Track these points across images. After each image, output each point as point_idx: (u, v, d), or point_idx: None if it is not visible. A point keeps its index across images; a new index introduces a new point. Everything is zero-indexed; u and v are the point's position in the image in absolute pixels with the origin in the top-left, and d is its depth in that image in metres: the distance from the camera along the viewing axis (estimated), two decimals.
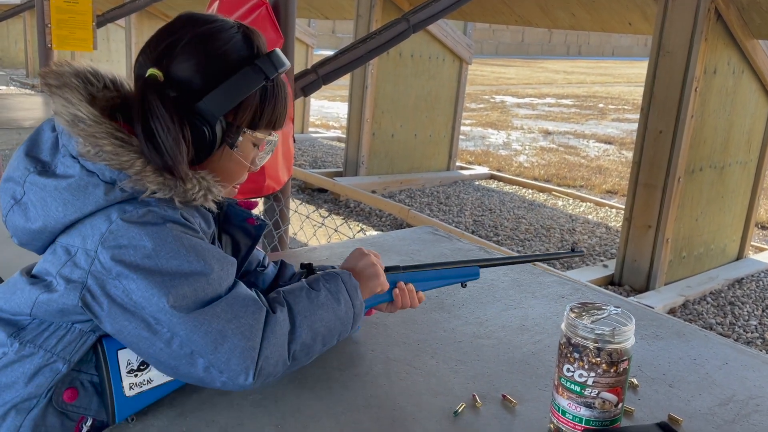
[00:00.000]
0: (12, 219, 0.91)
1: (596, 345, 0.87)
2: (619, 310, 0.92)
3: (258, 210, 2.63)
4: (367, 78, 5.86)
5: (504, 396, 1.03)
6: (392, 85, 6.07)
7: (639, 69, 20.48)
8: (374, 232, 4.88)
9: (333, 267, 1.17)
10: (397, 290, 1.15)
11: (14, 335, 0.90)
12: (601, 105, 14.10)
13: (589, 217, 5.92)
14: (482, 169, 7.38)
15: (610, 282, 4.49)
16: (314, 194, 5.90)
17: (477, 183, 6.83)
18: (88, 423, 0.93)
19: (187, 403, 0.96)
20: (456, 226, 5.18)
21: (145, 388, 0.93)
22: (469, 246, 1.73)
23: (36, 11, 4.44)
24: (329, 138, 8.62)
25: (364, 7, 5.76)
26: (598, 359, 0.87)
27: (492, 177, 7.17)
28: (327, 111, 11.50)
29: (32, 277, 0.93)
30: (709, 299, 4.23)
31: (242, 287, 0.93)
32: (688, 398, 1.06)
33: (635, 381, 1.09)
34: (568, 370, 0.90)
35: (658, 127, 4.11)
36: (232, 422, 0.93)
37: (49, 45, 4.45)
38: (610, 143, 9.97)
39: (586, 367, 0.88)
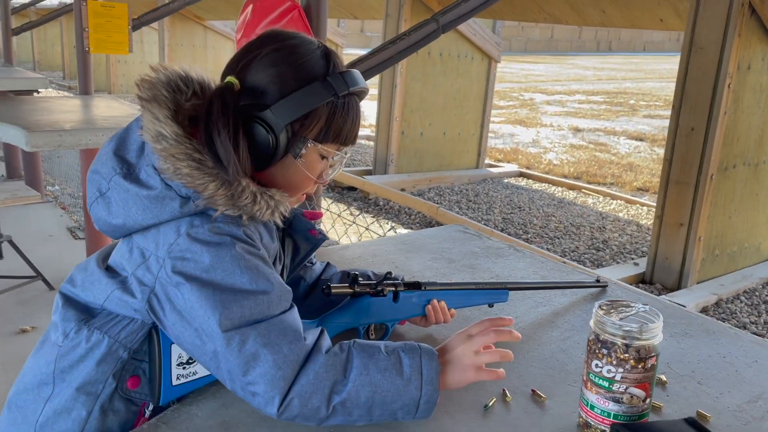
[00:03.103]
0: (96, 210, 0.98)
1: (624, 341, 0.89)
2: (647, 307, 0.94)
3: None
4: (396, 77, 5.89)
5: (533, 391, 1.06)
6: (421, 84, 6.10)
7: (671, 64, 20.12)
8: (404, 231, 4.92)
9: (371, 273, 1.20)
10: (430, 307, 1.19)
11: (84, 321, 0.98)
12: (632, 101, 13.92)
13: (620, 214, 5.87)
14: (511, 167, 7.37)
15: (641, 280, 4.46)
16: (344, 192, 5.96)
17: (506, 181, 6.82)
18: (150, 408, 1.00)
19: (228, 394, 1.00)
20: (485, 224, 5.19)
21: (190, 378, 0.99)
22: (499, 244, 1.75)
23: (74, 15, 4.56)
24: (359, 137, 8.69)
25: (393, 7, 5.79)
26: (626, 355, 0.89)
27: (521, 175, 7.15)
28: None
29: (108, 269, 1.00)
30: (743, 298, 4.17)
31: (290, 316, 0.94)
32: (716, 395, 1.08)
33: (664, 378, 1.11)
34: (597, 365, 0.92)
35: (690, 124, 4.07)
36: None
37: (87, 48, 4.56)
38: (641, 140, 9.85)
39: (614, 363, 0.90)
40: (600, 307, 0.94)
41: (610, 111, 12.67)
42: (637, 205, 6.15)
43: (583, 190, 6.64)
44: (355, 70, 1.04)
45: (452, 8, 2.87)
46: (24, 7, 7.92)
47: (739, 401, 1.06)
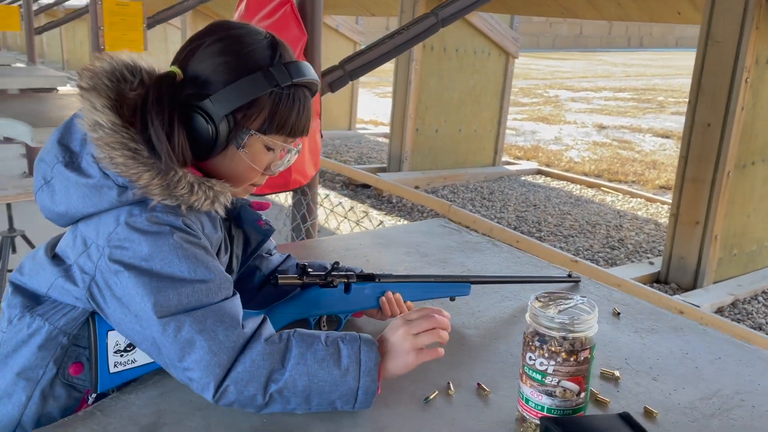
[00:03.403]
0: (41, 197, 0.99)
1: (556, 334, 0.87)
2: (585, 299, 0.92)
3: (287, 203, 2.69)
4: (411, 73, 5.87)
5: (479, 384, 1.04)
6: (436, 80, 6.06)
7: None
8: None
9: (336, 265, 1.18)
10: (384, 299, 1.17)
11: (29, 308, 0.99)
12: (660, 98, 13.67)
13: (639, 213, 5.76)
14: (529, 165, 7.29)
15: (656, 280, 4.37)
16: (358, 190, 5.96)
17: (523, 179, 6.75)
18: (93, 395, 1.01)
19: (169, 383, 1.01)
20: (498, 222, 5.14)
21: (128, 366, 1.00)
22: (477, 239, 1.73)
23: (90, 14, 4.64)
24: (376, 134, 8.68)
25: (408, 3, 5.77)
26: (558, 348, 0.87)
27: (539, 172, 7.06)
28: (379, 107, 11.53)
29: (54, 257, 1.01)
30: (761, 298, 4.07)
31: (230, 304, 0.94)
32: (670, 391, 1.05)
33: (617, 373, 1.08)
34: (530, 358, 0.90)
35: (706, 119, 3.98)
36: (207, 403, 0.96)
37: (102, 46, 4.64)
38: (667, 137, 9.66)
39: (546, 355, 0.88)
40: (537, 298, 0.92)
41: (636, 108, 12.45)
42: (658, 204, 6.03)
43: (602, 188, 6.53)
44: (303, 62, 1.03)
45: (452, 1, 2.85)
46: (48, 6, 8.09)
47: (692, 398, 1.03)
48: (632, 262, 4.64)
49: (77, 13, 6.16)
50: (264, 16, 2.34)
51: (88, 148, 0.96)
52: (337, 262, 1.16)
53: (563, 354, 0.87)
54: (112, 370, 0.98)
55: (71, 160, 0.96)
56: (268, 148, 1.03)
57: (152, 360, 1.01)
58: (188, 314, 0.90)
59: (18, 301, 1.00)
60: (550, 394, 0.89)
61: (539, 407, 0.90)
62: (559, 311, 0.90)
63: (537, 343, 0.89)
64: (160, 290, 0.89)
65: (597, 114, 11.68)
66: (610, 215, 5.61)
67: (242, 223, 1.14)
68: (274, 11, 2.32)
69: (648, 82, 16.56)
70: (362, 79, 15.85)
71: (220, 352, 0.89)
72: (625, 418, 0.86)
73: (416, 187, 5.78)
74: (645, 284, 4.10)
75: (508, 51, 6.50)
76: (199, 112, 0.96)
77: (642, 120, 11.16)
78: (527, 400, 0.91)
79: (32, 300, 1.00)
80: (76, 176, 0.95)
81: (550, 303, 0.92)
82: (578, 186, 6.63)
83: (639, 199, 6.19)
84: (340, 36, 7.68)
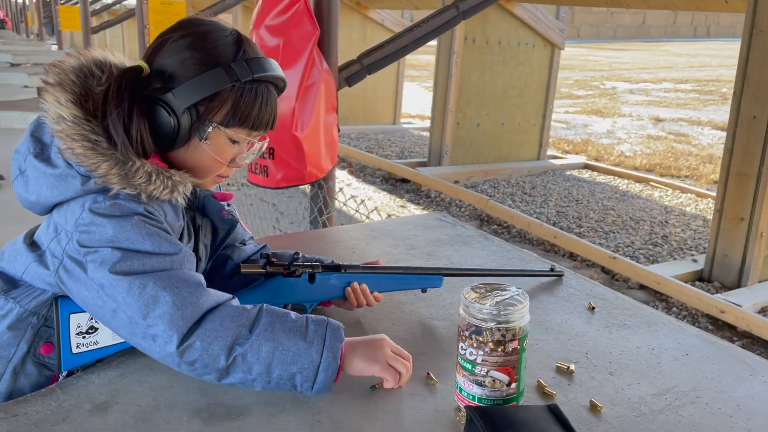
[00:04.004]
0: (17, 186, 1.06)
1: (484, 324, 0.88)
2: (520, 291, 0.92)
3: (306, 195, 2.73)
4: (452, 66, 5.84)
5: (428, 374, 1.05)
6: (478, 73, 6.01)
7: None
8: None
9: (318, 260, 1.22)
10: (349, 289, 1.19)
11: (4, 291, 1.06)
12: (724, 89, 13.11)
13: (687, 209, 5.57)
14: (576, 159, 7.14)
15: (699, 278, 4.23)
16: (397, 184, 5.97)
17: (568, 173, 6.62)
18: (64, 374, 1.07)
19: (131, 365, 1.06)
20: (537, 217, 5.07)
21: (91, 347, 1.05)
22: (469, 232, 1.72)
23: (136, 14, 4.82)
24: (421, 128, 8.66)
25: None
26: (486, 338, 0.87)
27: (586, 167, 6.91)
28: (427, 101, 11.53)
29: (32, 243, 1.08)
30: None
31: (195, 274, 0.98)
32: (623, 386, 1.03)
33: (572, 367, 1.07)
34: (462, 348, 0.91)
35: (751, 112, 3.82)
36: (162, 384, 1.01)
37: (148, 45, 4.81)
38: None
39: (475, 345, 0.88)
40: (472, 289, 0.93)
41: (698, 100, 12.00)
42: (709, 199, 5.81)
43: (651, 183, 6.34)
44: (267, 59, 1.06)
45: None
46: (107, 6, 8.42)
47: (644, 393, 1.01)
48: (675, 259, 4.50)
49: (129, 13, 6.39)
50: (279, 12, 2.38)
51: (57, 141, 1.01)
52: (297, 253, 1.19)
53: (491, 344, 0.87)
54: (75, 350, 1.04)
55: (41, 152, 1.02)
56: (233, 141, 1.07)
57: (115, 342, 1.06)
58: (152, 275, 0.94)
59: None
60: (480, 384, 0.89)
61: (471, 396, 0.90)
62: (496, 302, 0.90)
63: (466, 333, 0.89)
64: (125, 259, 0.94)
65: (655, 106, 11.32)
66: (656, 211, 5.45)
67: (208, 214, 1.18)
68: (289, 7, 2.37)
69: (713, 73, 15.91)
70: (411, 72, 15.81)
71: (183, 306, 0.92)
72: (553, 410, 0.86)
73: (456, 182, 5.76)
74: (686, 282, 3.98)
75: (554, 42, 6.38)
76: (161, 104, 1.01)
77: (702, 112, 10.75)
78: (461, 390, 0.92)
79: (9, 284, 1.07)
80: (44, 167, 1.00)
81: (487, 294, 0.92)
82: (625, 181, 6.45)
83: (689, 195, 5.98)
84: (385, 30, 7.70)
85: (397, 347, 1.02)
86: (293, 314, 0.98)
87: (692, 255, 4.54)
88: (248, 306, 0.97)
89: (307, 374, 0.94)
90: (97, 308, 0.97)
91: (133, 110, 0.99)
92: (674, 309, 3.73)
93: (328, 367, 0.94)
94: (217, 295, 0.98)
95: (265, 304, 0.99)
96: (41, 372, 1.07)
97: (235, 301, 0.99)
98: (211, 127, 1.03)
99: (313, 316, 0.99)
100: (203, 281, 0.99)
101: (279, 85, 1.09)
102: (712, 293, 3.91)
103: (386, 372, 0.98)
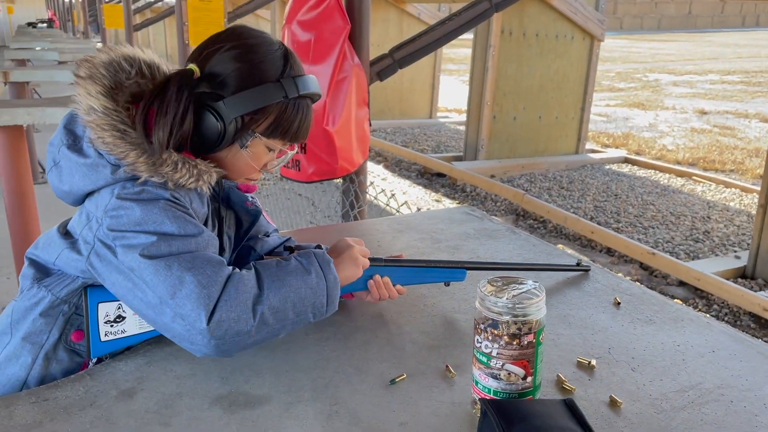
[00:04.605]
0: (51, 177, 1.10)
1: (500, 317, 0.87)
2: (537, 284, 0.91)
3: (338, 189, 2.76)
4: (488, 60, 5.79)
5: (447, 367, 1.05)
6: (515, 66, 5.95)
7: None
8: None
9: (320, 246, 1.25)
10: (372, 282, 1.21)
11: (38, 279, 1.10)
12: None
13: (731, 204, 5.43)
14: (616, 153, 7.01)
15: (742, 275, 4.12)
16: (433, 179, 5.96)
17: (607, 167, 6.50)
18: (93, 360, 1.11)
19: (157, 353, 1.09)
20: (574, 212, 5.00)
21: (118, 336, 1.08)
22: (497, 226, 1.71)
23: (175, 11, 4.91)
24: (457, 122, 8.62)
25: None
26: (501, 331, 0.87)
27: (626, 161, 6.78)
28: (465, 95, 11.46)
29: (66, 233, 1.12)
30: None
31: (216, 254, 1.03)
32: (645, 382, 1.01)
33: (593, 362, 1.06)
34: (477, 341, 0.91)
35: None
36: (186, 372, 1.04)
37: (187, 42, 4.90)
38: None
39: (491, 338, 0.88)
40: (489, 282, 0.92)
41: (745, 92, 11.64)
42: (755, 194, 5.64)
43: (694, 177, 6.19)
44: (309, 75, 1.11)
45: None
46: (148, 5, 8.58)
47: (666, 390, 0.99)
48: (717, 255, 4.39)
49: (171, 10, 6.51)
50: (310, 7, 2.40)
51: (88, 131, 1.05)
52: (320, 245, 1.20)
53: (506, 337, 0.87)
54: (103, 338, 1.07)
55: (74, 143, 1.06)
56: (269, 149, 1.11)
57: (142, 331, 1.10)
58: (177, 257, 0.97)
59: (30, 273, 1.12)
60: (495, 377, 0.89)
61: (486, 389, 0.90)
62: (512, 296, 0.90)
63: (482, 326, 0.89)
64: (152, 244, 0.97)
65: (700, 99, 11.03)
66: (698, 206, 5.32)
67: (233, 205, 1.20)
68: (320, 2, 2.38)
69: (762, 63, 15.40)
70: (450, 66, 15.67)
71: (209, 284, 0.96)
72: (569, 404, 0.85)
73: (492, 176, 5.72)
74: (728, 279, 3.87)
75: (593, 34, 6.27)
76: (211, 111, 1.04)
77: (750, 105, 10.43)
78: (477, 383, 0.92)
79: (42, 272, 1.11)
80: (77, 157, 1.04)
81: (504, 287, 0.92)
82: (667, 175, 6.31)
83: (734, 189, 5.82)
84: (421, 24, 7.67)
85: (359, 241, 1.18)
86: (278, 260, 1.05)
87: (735, 251, 4.42)
88: (243, 270, 1.02)
89: (320, 301, 1.04)
90: (126, 290, 0.99)
91: (187, 112, 1.02)
92: (715, 306, 3.64)
93: (335, 286, 1.05)
94: (234, 269, 1.02)
95: (253, 262, 1.05)
96: (72, 358, 1.10)
97: (236, 269, 1.02)
98: (253, 137, 1.08)
99: (298, 253, 1.08)
100: (224, 261, 1.02)
101: (315, 100, 1.14)
102: (755, 290, 3.80)
103: (360, 272, 1.15)
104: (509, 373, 0.88)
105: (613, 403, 0.96)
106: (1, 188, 2.87)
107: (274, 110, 1.07)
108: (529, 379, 0.89)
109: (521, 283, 0.92)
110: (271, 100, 1.05)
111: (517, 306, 0.86)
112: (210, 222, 1.14)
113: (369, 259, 1.22)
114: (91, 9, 14.51)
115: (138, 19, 8.26)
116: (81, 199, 1.08)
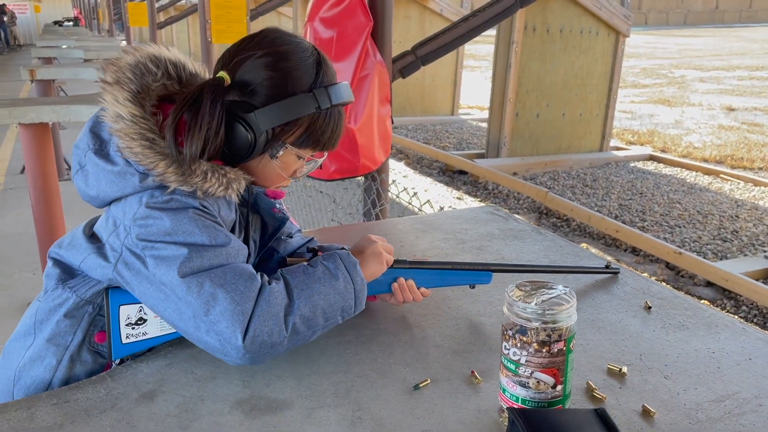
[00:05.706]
0: (77, 180, 1.09)
1: (529, 324, 0.84)
2: (567, 289, 0.88)
3: (360, 187, 2.74)
4: (511, 56, 5.73)
5: (472, 372, 1.02)
6: (538, 63, 5.88)
7: None
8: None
9: (343, 248, 1.22)
10: (396, 284, 1.18)
11: (63, 280, 1.10)
12: None
13: (760, 202, 5.31)
14: (641, 150, 6.91)
15: None
16: (454, 176, 5.92)
17: (632, 165, 6.40)
18: (116, 362, 1.10)
19: (179, 355, 1.08)
20: (598, 210, 4.93)
21: (140, 338, 1.07)
22: (522, 226, 1.68)
23: (198, 9, 4.92)
24: (480, 119, 8.55)
25: None
26: (530, 338, 0.84)
27: (651, 158, 6.68)
28: (488, 92, 11.37)
29: (92, 235, 1.10)
30: None
31: (246, 265, 1.01)
32: (679, 391, 0.98)
33: (624, 369, 1.02)
34: (506, 347, 0.88)
35: None
36: (207, 375, 1.03)
37: (209, 39, 4.91)
38: None
39: (519, 345, 0.85)
40: (517, 287, 0.90)
41: None
42: None
43: (721, 175, 6.07)
44: (342, 83, 1.09)
45: None
46: (171, 3, 8.64)
47: (702, 399, 0.96)
48: (745, 255, 4.29)
49: (194, 8, 6.54)
50: (332, 4, 2.38)
51: (115, 139, 1.03)
52: (343, 247, 1.18)
53: (535, 345, 0.84)
54: (125, 341, 1.06)
55: (100, 148, 1.04)
56: (299, 158, 1.09)
57: (163, 333, 1.08)
58: (208, 272, 0.96)
59: (55, 273, 1.11)
60: (524, 385, 0.86)
61: (514, 398, 0.88)
62: (542, 301, 0.87)
63: (510, 333, 0.86)
64: (185, 258, 0.96)
65: (727, 95, 10.83)
66: (726, 204, 5.21)
67: (259, 210, 1.19)
68: (341, 0, 2.36)
69: None
70: (472, 63, 15.55)
71: (242, 301, 0.95)
72: (600, 414, 0.82)
73: (514, 174, 5.66)
74: (757, 280, 3.79)
75: (619, 29, 6.17)
76: (242, 122, 1.02)
77: None
78: (504, 390, 0.89)
79: (66, 273, 1.10)
80: (104, 163, 1.02)
81: (532, 292, 0.89)
82: (693, 173, 6.20)
83: (762, 188, 5.70)
84: (444, 20, 7.62)
85: (381, 239, 1.17)
86: (305, 266, 1.05)
87: (764, 251, 4.32)
88: (272, 280, 1.01)
89: (349, 304, 1.04)
90: (158, 301, 0.98)
91: (221, 125, 1.00)
92: (743, 308, 3.56)
93: (362, 288, 1.06)
94: (263, 280, 1.00)
95: (280, 270, 1.04)
96: (96, 360, 1.10)
97: (265, 279, 1.01)
98: (284, 148, 1.06)
99: (323, 256, 1.07)
100: (255, 273, 1.00)
101: (345, 105, 1.11)
102: None
103: (384, 268, 1.14)
104: (538, 382, 0.85)
105: (645, 413, 0.93)
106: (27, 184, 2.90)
107: (306, 121, 1.04)
108: (559, 387, 0.86)
109: (551, 288, 0.89)
110: (303, 112, 1.03)
111: (546, 312, 0.83)
112: (237, 227, 1.12)
113: (394, 261, 1.20)
114: (116, 7, 14.65)
115: (162, 17, 8.32)
116: (107, 203, 1.07)
